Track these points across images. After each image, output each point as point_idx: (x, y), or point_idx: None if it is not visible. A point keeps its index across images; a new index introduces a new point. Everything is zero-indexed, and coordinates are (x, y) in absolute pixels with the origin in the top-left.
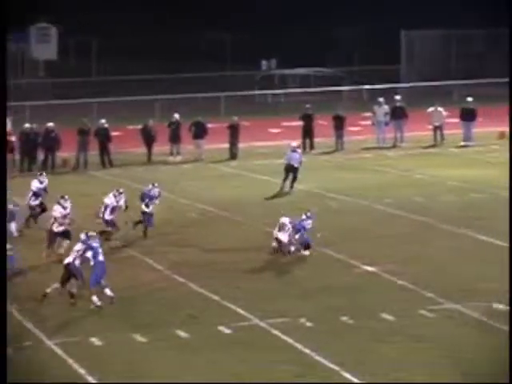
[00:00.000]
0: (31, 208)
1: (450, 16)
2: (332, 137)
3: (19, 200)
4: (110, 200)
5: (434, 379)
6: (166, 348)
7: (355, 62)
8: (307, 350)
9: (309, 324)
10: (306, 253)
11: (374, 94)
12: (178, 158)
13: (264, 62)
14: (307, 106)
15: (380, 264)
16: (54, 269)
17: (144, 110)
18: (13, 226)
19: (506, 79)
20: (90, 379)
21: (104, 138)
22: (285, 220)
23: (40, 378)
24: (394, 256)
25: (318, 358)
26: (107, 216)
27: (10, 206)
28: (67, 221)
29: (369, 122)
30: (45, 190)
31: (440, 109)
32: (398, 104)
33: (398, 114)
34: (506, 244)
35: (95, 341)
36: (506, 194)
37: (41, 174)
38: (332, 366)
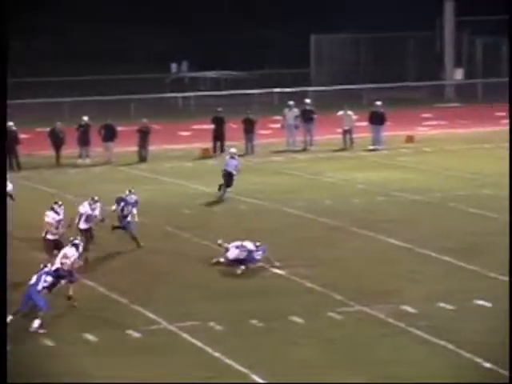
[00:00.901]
0: None
1: (360, 20)
2: (242, 140)
3: None
4: (84, 208)
5: (345, 379)
6: (74, 352)
7: (266, 65)
8: (217, 354)
9: (218, 327)
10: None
11: (284, 98)
12: (87, 161)
13: (174, 65)
14: (219, 109)
15: (289, 267)
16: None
17: (53, 112)
18: None
19: (416, 83)
20: None
21: (12, 140)
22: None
23: None
24: (303, 259)
25: (228, 361)
26: (82, 225)
27: None
28: (61, 228)
29: (279, 126)
30: None
31: (350, 112)
32: (307, 107)
33: (307, 117)
34: (412, 246)
35: None
36: (414, 197)
37: None
38: (242, 369)
